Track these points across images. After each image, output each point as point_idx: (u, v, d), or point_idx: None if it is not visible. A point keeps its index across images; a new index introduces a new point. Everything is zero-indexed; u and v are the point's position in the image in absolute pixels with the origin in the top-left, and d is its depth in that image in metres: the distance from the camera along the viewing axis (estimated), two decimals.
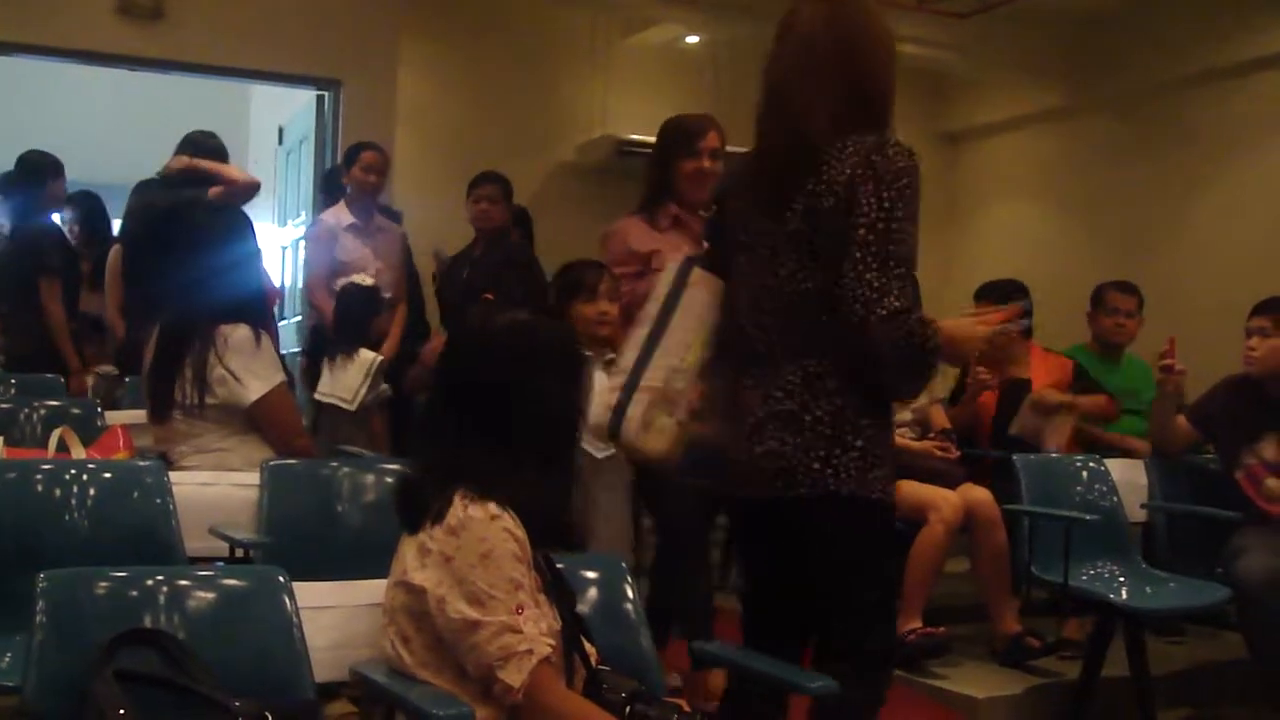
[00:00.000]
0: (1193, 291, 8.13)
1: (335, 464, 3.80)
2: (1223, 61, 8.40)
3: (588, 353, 3.82)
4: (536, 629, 2.29)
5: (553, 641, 2.31)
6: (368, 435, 5.17)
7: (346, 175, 6.36)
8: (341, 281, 6.03)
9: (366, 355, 5.20)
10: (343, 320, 5.50)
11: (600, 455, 3.76)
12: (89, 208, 7.07)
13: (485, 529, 2.30)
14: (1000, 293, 5.44)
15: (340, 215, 6.34)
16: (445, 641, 2.32)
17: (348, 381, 5.14)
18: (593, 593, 2.76)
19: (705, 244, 3.44)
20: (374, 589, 2.55)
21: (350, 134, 7.51)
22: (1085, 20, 9.16)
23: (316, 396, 5.43)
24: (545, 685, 2.26)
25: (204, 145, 6.02)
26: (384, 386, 5.24)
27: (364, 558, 2.92)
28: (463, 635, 2.28)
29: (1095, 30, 9.19)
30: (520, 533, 2.34)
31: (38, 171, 6.41)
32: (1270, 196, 8.18)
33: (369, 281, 5.81)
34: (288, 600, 2.48)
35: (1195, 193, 8.73)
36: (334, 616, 2.63)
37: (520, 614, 2.27)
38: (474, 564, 2.28)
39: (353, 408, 5.12)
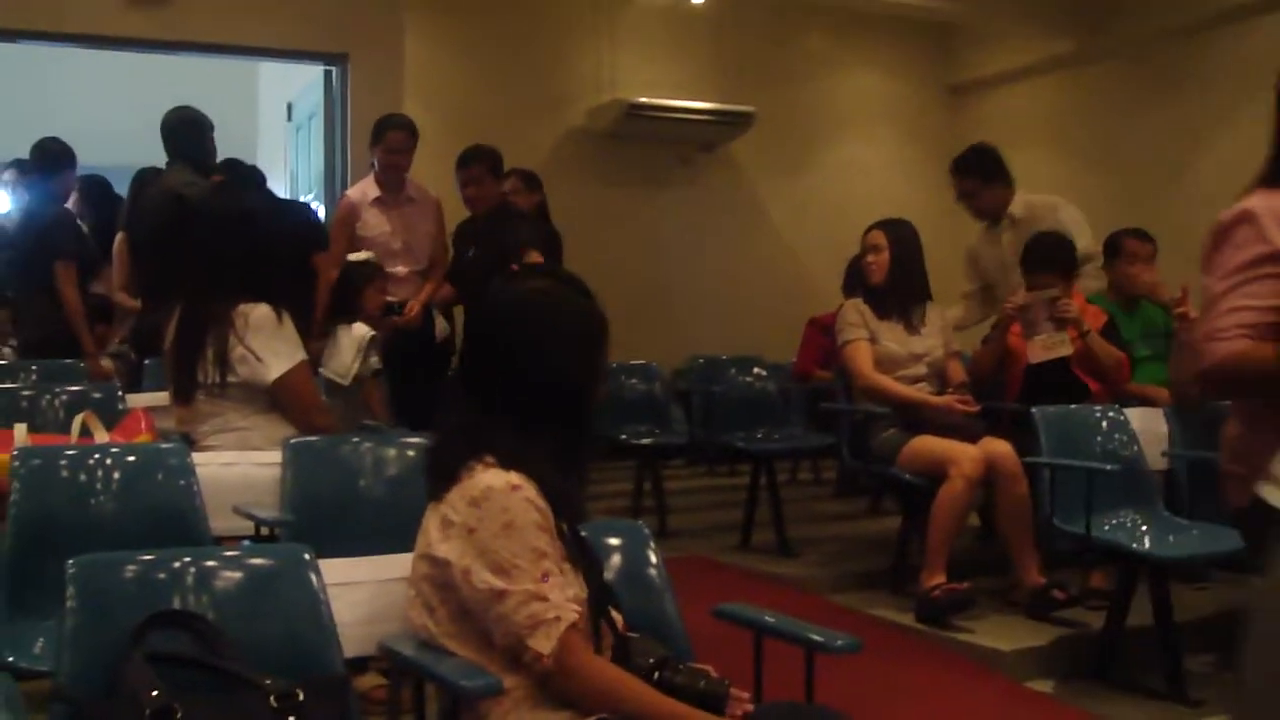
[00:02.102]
0: (1201, 238, 8.08)
1: (357, 440, 3.82)
2: (1233, 4, 8.33)
3: None
4: (563, 596, 2.30)
5: (579, 608, 2.33)
6: (358, 406, 5.18)
7: (373, 151, 6.32)
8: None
9: (359, 330, 5.22)
10: (334, 295, 5.54)
11: None
12: (99, 192, 7.10)
13: (507, 499, 2.32)
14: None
15: (367, 189, 6.33)
16: (472, 612, 2.33)
17: (341, 357, 5.19)
18: (616, 559, 2.77)
19: None
20: (399, 563, 2.57)
21: (359, 108, 7.52)
22: None
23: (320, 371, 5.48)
24: (574, 651, 2.27)
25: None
26: (373, 359, 5.24)
27: (388, 532, 2.95)
28: (489, 605, 2.29)
29: None
30: (542, 503, 2.35)
31: (55, 159, 6.44)
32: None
33: (363, 257, 5.77)
34: (314, 577, 2.49)
35: (1205, 139, 8.66)
36: (361, 592, 2.65)
37: (546, 581, 2.29)
38: (497, 534, 2.29)
39: (346, 382, 5.13)
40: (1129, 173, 9.09)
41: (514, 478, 2.34)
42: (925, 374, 5.40)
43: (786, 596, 5.33)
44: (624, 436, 6.57)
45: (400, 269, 6.21)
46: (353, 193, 6.42)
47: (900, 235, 5.49)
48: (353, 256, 5.81)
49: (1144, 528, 4.65)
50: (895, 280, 5.43)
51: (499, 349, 2.51)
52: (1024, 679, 4.51)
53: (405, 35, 7.78)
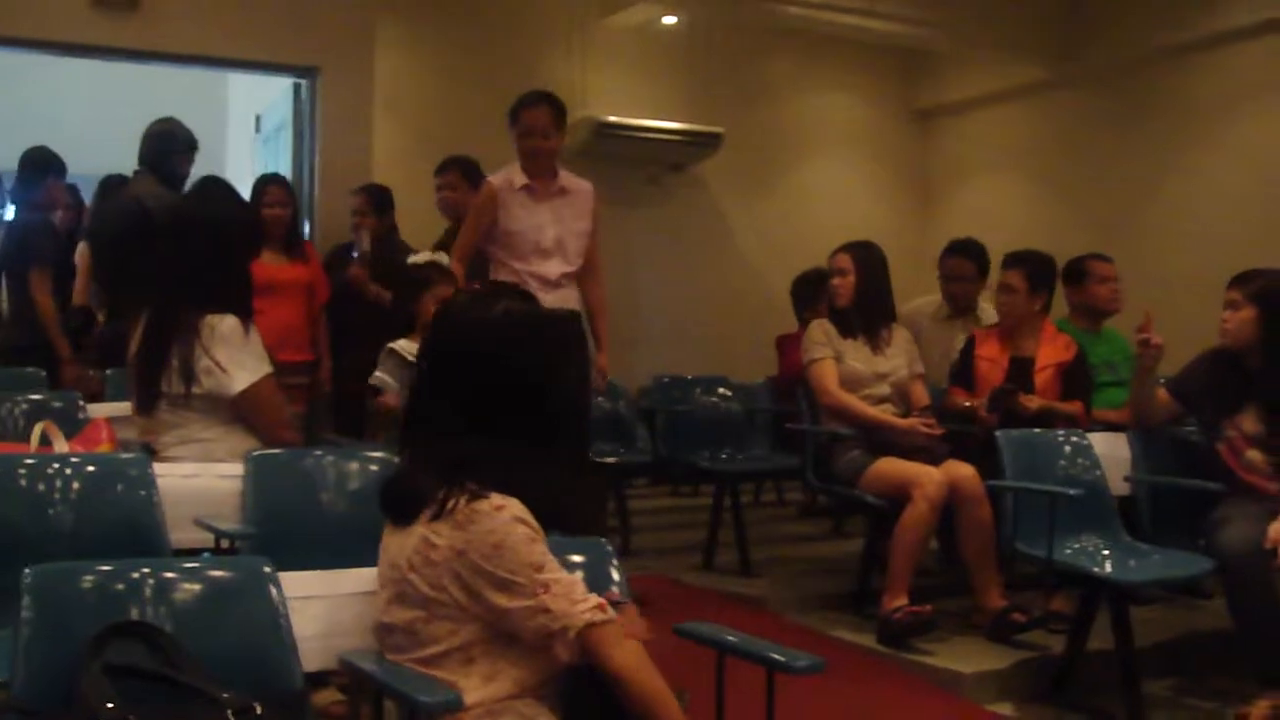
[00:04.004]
0: (1169, 264, 8.17)
1: (319, 453, 3.79)
2: (1198, 34, 8.43)
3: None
4: (569, 601, 2.32)
5: (592, 604, 2.35)
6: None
7: (512, 136, 5.43)
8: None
9: (403, 349, 4.78)
10: (392, 303, 5.07)
11: None
12: (74, 200, 7.09)
13: (491, 521, 2.33)
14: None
15: (512, 175, 5.40)
16: (463, 627, 2.35)
17: (387, 382, 4.81)
18: (578, 576, 2.76)
19: None
20: (361, 578, 2.56)
21: (328, 121, 7.50)
22: None
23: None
24: (596, 649, 2.33)
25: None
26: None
27: (349, 547, 2.93)
28: (500, 619, 2.34)
29: (1068, 6, 9.22)
30: (528, 516, 2.36)
31: (36, 166, 6.42)
32: (1245, 169, 8.22)
33: (425, 258, 5.15)
34: (274, 590, 2.48)
35: (1170, 166, 8.75)
36: (320, 606, 2.64)
37: (549, 592, 2.31)
38: (488, 555, 2.32)
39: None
40: (1093, 198, 9.17)
41: (496, 499, 2.35)
42: (889, 394, 5.42)
43: (749, 617, 5.33)
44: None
45: (551, 268, 5.32)
46: (495, 178, 5.46)
47: (866, 258, 5.51)
48: (415, 258, 5.27)
49: (1105, 552, 4.66)
50: (861, 302, 5.45)
51: (475, 367, 2.49)
52: (984, 701, 4.51)
53: (376, 50, 7.77)
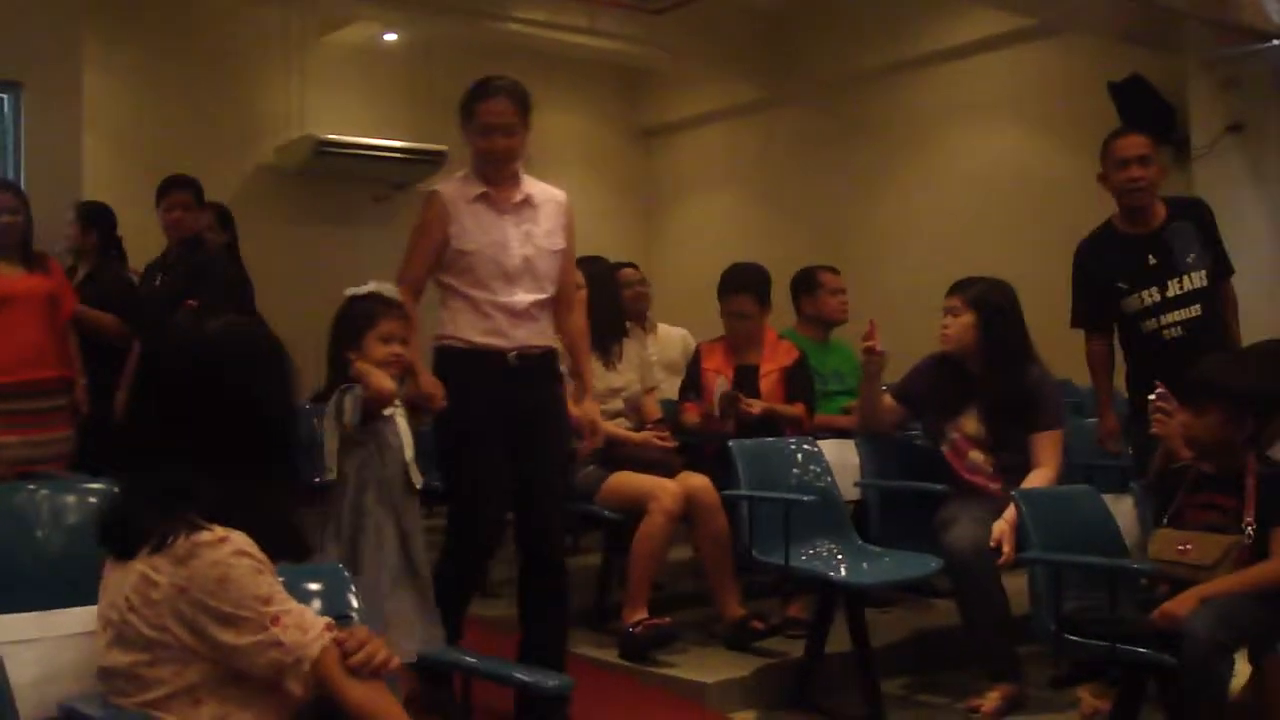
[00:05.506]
0: (891, 275, 8.45)
1: (32, 487, 3.55)
2: (912, 52, 8.76)
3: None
4: (300, 632, 2.22)
5: (322, 630, 2.25)
6: None
7: (466, 135, 4.49)
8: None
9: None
10: (331, 339, 4.02)
11: None
12: None
13: (215, 553, 2.20)
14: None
15: (466, 184, 4.43)
16: (194, 662, 2.21)
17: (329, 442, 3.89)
18: (316, 604, 2.64)
19: None
20: (80, 617, 2.40)
21: (33, 138, 7.09)
22: (775, 15, 9.43)
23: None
24: (327, 677, 2.22)
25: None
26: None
27: (70, 586, 2.74)
28: (229, 658, 2.21)
29: (785, 25, 9.47)
30: (253, 547, 2.24)
31: None
32: (959, 181, 8.59)
33: (367, 289, 4.06)
34: None
35: (889, 179, 9.07)
36: (37, 650, 2.45)
37: (279, 625, 2.19)
38: (213, 590, 2.19)
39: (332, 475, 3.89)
40: (813, 213, 9.44)
41: (219, 530, 2.22)
42: (622, 409, 5.42)
43: (488, 637, 5.24)
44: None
45: (519, 297, 4.31)
46: (445, 186, 4.48)
47: (594, 273, 5.49)
48: (354, 290, 4.12)
49: (839, 556, 4.74)
50: (591, 318, 5.41)
51: (191, 389, 2.37)
52: (728, 710, 4.53)
53: (84, 65, 7.41)
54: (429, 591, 3.85)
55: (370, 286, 4.03)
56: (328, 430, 3.82)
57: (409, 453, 3.90)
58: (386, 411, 3.86)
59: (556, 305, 4.45)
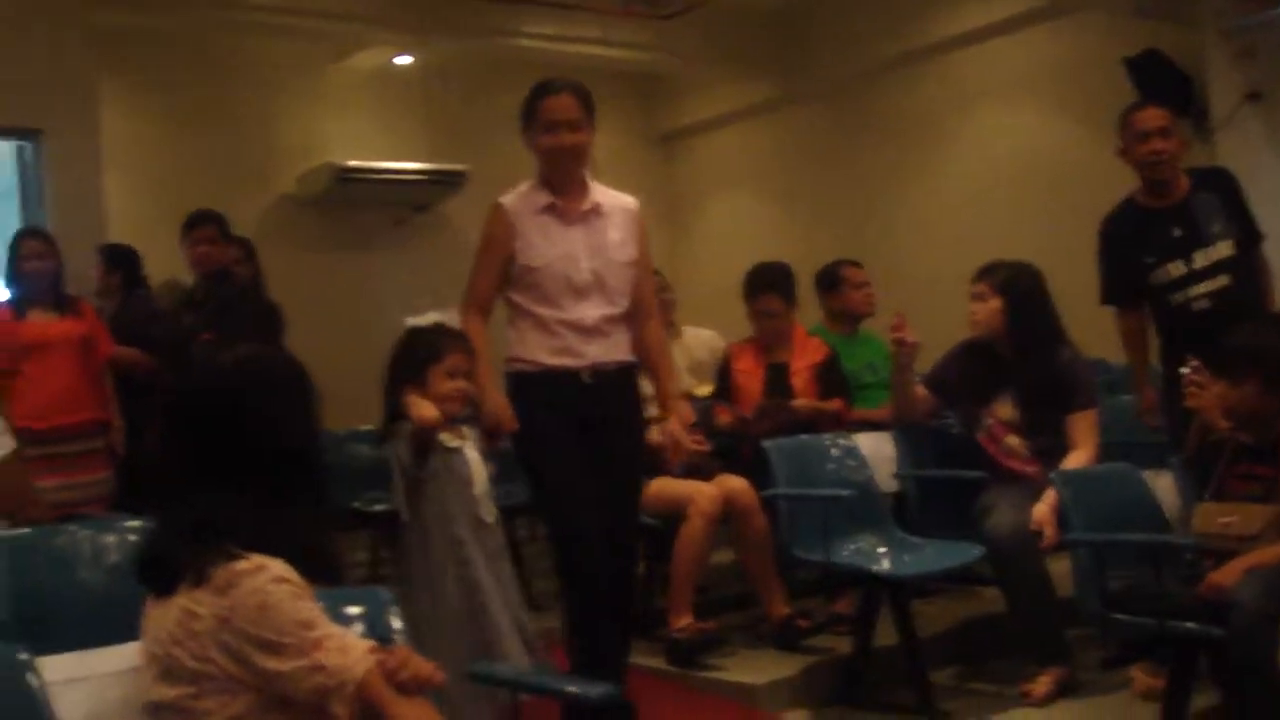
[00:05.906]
0: (916, 264, 8.42)
1: (73, 528, 3.58)
2: (924, 41, 8.73)
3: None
4: (343, 655, 2.21)
5: (365, 652, 2.24)
6: None
7: (528, 139, 4.30)
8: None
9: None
10: (391, 372, 3.86)
11: None
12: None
13: (254, 581, 2.21)
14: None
15: (531, 194, 4.22)
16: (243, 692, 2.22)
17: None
18: (358, 628, 2.65)
19: None
20: (124, 654, 2.41)
21: (56, 183, 7.17)
22: (784, 13, 9.40)
23: None
24: (373, 699, 2.20)
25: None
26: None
27: (111, 624, 2.76)
28: (273, 684, 2.20)
29: (794, 23, 9.45)
30: (291, 573, 2.25)
31: None
32: (981, 166, 8.56)
33: (430, 320, 4.06)
34: (31, 679, 2.31)
35: (909, 169, 9.05)
36: (85, 689, 2.47)
37: (321, 649, 2.19)
38: (254, 618, 2.19)
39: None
40: (839, 207, 9.42)
41: (257, 559, 2.23)
42: (654, 415, 5.41)
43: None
44: (357, 504, 6.38)
45: (589, 312, 4.15)
46: (508, 199, 4.23)
47: None
48: (416, 320, 4.15)
49: (881, 549, 4.73)
50: None
51: (215, 420, 2.38)
52: (779, 710, 4.53)
53: (103, 107, 7.47)
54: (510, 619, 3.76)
55: (432, 316, 3.95)
56: (395, 473, 3.76)
57: (479, 487, 3.79)
58: (453, 444, 3.78)
59: (632, 318, 4.26)
